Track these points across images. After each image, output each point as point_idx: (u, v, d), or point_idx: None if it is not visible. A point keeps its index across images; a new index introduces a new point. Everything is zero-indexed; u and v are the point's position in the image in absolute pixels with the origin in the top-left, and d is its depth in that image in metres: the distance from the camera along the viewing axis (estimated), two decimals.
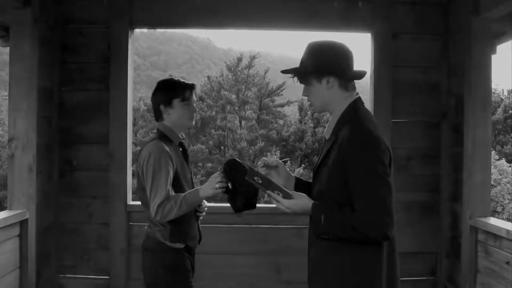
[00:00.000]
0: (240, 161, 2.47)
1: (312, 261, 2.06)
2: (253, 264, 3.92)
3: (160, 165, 2.50)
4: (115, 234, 3.87)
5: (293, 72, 2.06)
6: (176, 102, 2.61)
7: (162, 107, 2.63)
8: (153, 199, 2.48)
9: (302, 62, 2.05)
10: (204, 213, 2.76)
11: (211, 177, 2.47)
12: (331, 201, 1.94)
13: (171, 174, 2.52)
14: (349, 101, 2.02)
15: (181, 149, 2.72)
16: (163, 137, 2.62)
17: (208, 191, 2.46)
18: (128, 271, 3.89)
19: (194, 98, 2.68)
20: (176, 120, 2.64)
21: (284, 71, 2.10)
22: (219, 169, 2.50)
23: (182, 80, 2.70)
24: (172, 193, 2.51)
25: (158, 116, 2.67)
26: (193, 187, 2.67)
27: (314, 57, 2.00)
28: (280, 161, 2.19)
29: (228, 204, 2.64)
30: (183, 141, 2.78)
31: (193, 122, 2.72)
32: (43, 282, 3.65)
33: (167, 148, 2.55)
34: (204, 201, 2.71)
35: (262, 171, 2.13)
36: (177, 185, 2.56)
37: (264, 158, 2.21)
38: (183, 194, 2.50)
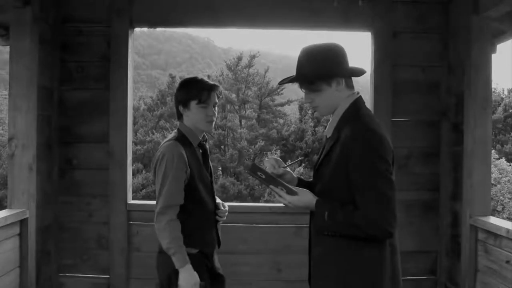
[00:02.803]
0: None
1: (315, 259, 2.06)
2: (253, 263, 3.93)
3: (172, 168, 2.40)
4: (115, 233, 3.87)
5: (300, 80, 2.04)
6: (193, 104, 2.50)
7: (180, 108, 2.55)
8: (158, 202, 2.43)
9: (303, 69, 2.02)
10: (224, 218, 2.67)
11: (196, 282, 2.39)
12: (334, 198, 1.94)
13: (184, 177, 2.44)
14: (351, 100, 2.03)
15: (201, 150, 2.61)
16: (182, 137, 2.54)
17: (185, 282, 2.37)
18: (128, 270, 3.89)
19: (215, 100, 2.55)
20: (194, 123, 2.54)
21: (287, 81, 2.08)
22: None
23: (205, 81, 2.56)
24: (181, 196, 2.43)
25: (179, 116, 2.59)
26: (212, 190, 2.60)
27: (319, 62, 1.99)
28: (285, 169, 2.18)
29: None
30: (204, 142, 2.65)
31: (212, 126, 2.58)
32: (43, 281, 3.65)
33: (183, 150, 2.46)
34: (225, 204, 2.69)
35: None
36: (193, 189, 2.48)
37: (268, 160, 2.18)
38: (182, 247, 2.39)
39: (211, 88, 2.53)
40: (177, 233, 2.39)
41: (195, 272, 2.41)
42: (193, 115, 2.53)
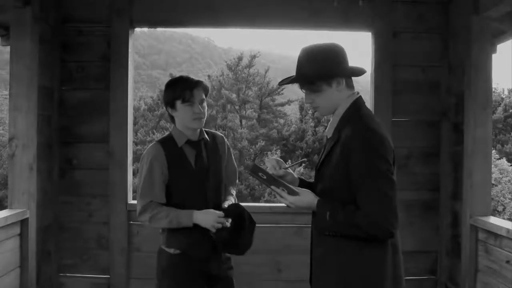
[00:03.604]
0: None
1: (317, 260, 2.06)
2: (253, 263, 3.92)
3: (147, 169, 2.48)
4: (115, 233, 3.87)
5: (301, 81, 2.04)
6: (178, 104, 2.48)
7: (169, 110, 2.54)
8: (137, 202, 2.52)
9: (303, 69, 2.01)
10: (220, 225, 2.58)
11: (214, 213, 2.41)
12: (335, 199, 1.94)
13: (162, 177, 2.48)
14: (351, 100, 2.03)
15: (195, 151, 2.54)
16: (168, 138, 2.55)
17: (205, 223, 2.40)
18: (128, 270, 3.89)
19: (201, 97, 2.50)
20: (183, 122, 2.52)
21: (287, 82, 2.08)
22: (224, 207, 2.46)
23: (189, 79, 2.53)
24: (159, 193, 2.48)
25: (171, 119, 2.58)
26: (204, 191, 2.52)
27: (319, 62, 1.98)
28: (286, 170, 2.15)
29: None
30: (204, 140, 2.59)
31: (200, 123, 2.52)
32: (43, 281, 3.65)
33: (162, 151, 2.49)
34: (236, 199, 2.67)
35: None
36: (174, 190, 2.50)
37: (270, 160, 2.17)
38: (177, 210, 2.45)
39: (194, 85, 2.48)
40: (164, 214, 2.44)
41: (208, 210, 2.43)
42: (180, 114, 2.51)
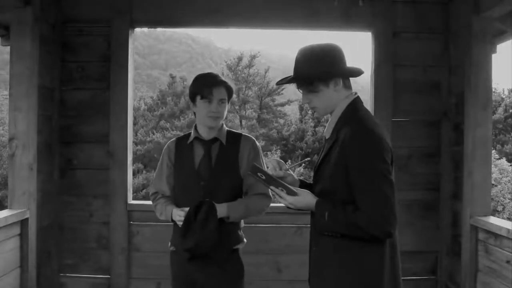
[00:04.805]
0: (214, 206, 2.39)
1: (315, 259, 2.07)
2: (253, 263, 3.91)
3: (159, 162, 2.66)
4: (115, 233, 3.87)
5: (298, 81, 2.03)
6: (198, 99, 2.47)
7: (191, 104, 2.54)
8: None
9: (301, 69, 2.01)
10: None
11: (178, 211, 2.44)
12: (334, 199, 1.94)
13: (167, 171, 2.60)
14: (349, 100, 2.03)
15: (204, 150, 2.52)
16: (187, 136, 2.61)
17: (176, 220, 2.47)
18: (128, 270, 3.89)
19: (221, 96, 2.46)
20: (199, 119, 2.51)
21: (285, 82, 2.09)
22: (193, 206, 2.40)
23: (213, 76, 2.51)
24: (163, 185, 2.61)
25: (194, 114, 2.57)
26: (197, 192, 2.47)
27: (316, 62, 1.98)
28: (286, 171, 2.13)
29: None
30: (218, 140, 2.54)
31: (215, 122, 2.49)
32: (44, 281, 3.65)
33: (173, 147, 2.59)
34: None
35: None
36: (174, 186, 2.60)
37: (270, 161, 2.16)
38: (168, 205, 2.55)
39: (214, 83, 2.45)
40: (159, 207, 2.61)
41: (180, 210, 2.45)
42: (199, 110, 2.50)
